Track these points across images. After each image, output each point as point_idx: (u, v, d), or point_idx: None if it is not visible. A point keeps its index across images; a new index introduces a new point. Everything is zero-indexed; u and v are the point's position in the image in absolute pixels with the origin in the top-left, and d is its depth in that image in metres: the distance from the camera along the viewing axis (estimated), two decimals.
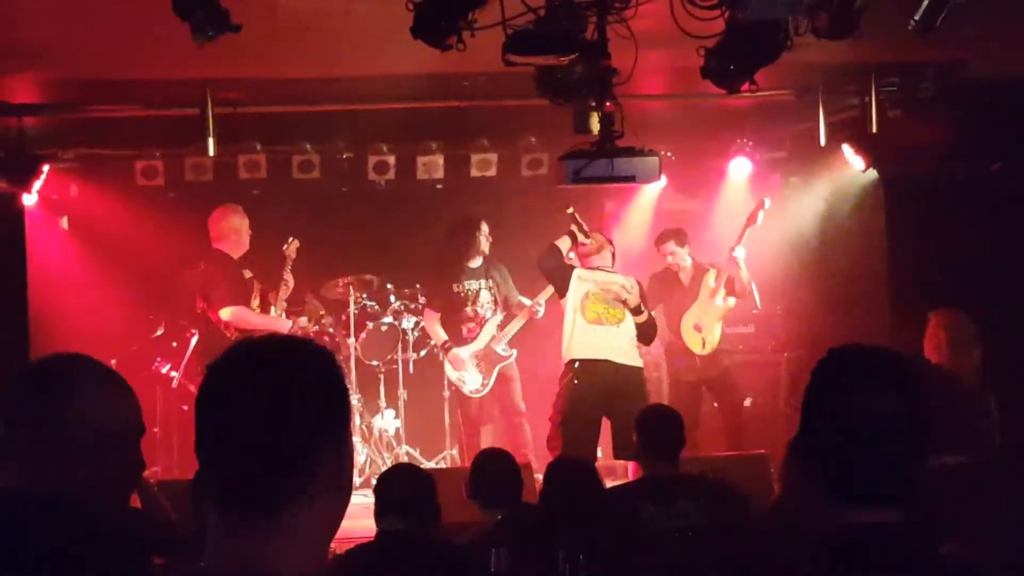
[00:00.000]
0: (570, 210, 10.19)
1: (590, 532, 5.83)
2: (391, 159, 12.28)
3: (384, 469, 6.79)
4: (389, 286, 12.37)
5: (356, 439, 11.72)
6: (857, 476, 2.61)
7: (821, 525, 2.61)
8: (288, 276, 10.98)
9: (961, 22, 7.30)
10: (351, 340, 12.04)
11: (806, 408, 2.72)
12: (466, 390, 11.55)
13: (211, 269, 10.65)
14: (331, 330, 12.07)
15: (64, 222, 12.57)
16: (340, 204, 12.89)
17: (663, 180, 11.27)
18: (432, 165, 12.37)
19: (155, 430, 11.68)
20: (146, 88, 10.38)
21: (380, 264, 12.43)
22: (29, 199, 11.04)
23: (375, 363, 12.27)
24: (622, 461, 10.52)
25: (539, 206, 12.20)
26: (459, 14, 6.69)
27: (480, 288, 11.54)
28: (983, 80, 10.39)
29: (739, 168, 12.60)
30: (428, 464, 11.86)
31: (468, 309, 11.54)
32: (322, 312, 12.28)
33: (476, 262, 11.58)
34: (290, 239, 11.13)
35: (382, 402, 12.23)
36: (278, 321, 10.80)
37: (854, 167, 11.04)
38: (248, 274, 10.77)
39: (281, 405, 2.12)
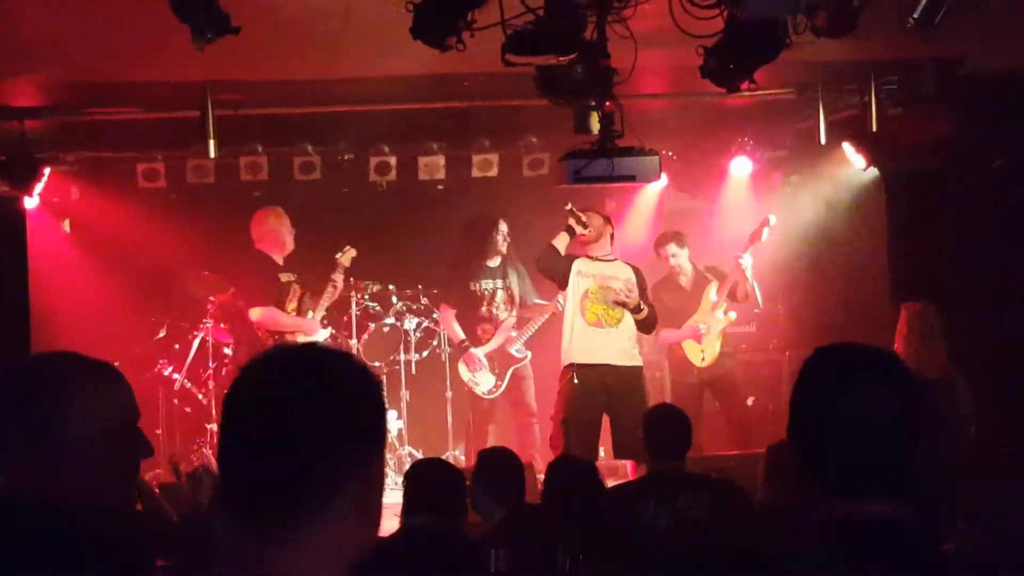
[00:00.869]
0: (568, 206, 10.15)
1: (591, 530, 5.83)
2: (392, 160, 12.29)
3: (413, 462, 6.77)
4: (391, 287, 12.38)
5: None
6: (848, 470, 2.62)
7: (815, 520, 2.62)
8: (338, 280, 11.03)
9: (960, 18, 7.31)
10: (353, 341, 12.05)
11: (794, 405, 2.73)
12: (479, 391, 11.56)
13: (248, 271, 10.84)
14: (332, 331, 12.08)
15: (66, 225, 12.57)
16: (342, 205, 12.89)
17: (664, 179, 11.29)
18: (433, 166, 12.37)
19: (157, 432, 11.70)
20: (147, 90, 10.38)
21: (382, 265, 12.44)
22: (31, 202, 11.06)
23: (377, 364, 12.27)
24: (623, 460, 10.51)
25: (541, 206, 12.20)
26: (458, 14, 6.69)
27: (496, 288, 11.56)
28: (983, 76, 10.39)
29: (740, 167, 12.60)
30: None
31: (483, 309, 11.55)
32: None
33: (494, 261, 11.61)
34: (346, 247, 11.19)
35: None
36: (307, 323, 10.87)
37: (855, 165, 11.05)
38: (287, 277, 10.86)
39: (310, 415, 2.09)
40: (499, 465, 6.60)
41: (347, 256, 11.13)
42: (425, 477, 5.86)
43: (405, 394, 12.26)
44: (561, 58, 7.01)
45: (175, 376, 11.99)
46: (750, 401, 11.88)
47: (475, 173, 12.45)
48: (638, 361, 10.28)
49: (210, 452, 11.45)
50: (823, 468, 2.65)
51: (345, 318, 12.19)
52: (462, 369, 11.63)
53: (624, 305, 10.03)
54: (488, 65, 7.10)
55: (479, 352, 11.47)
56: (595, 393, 10.03)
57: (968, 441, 8.08)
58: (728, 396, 11.43)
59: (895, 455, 2.63)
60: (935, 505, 4.09)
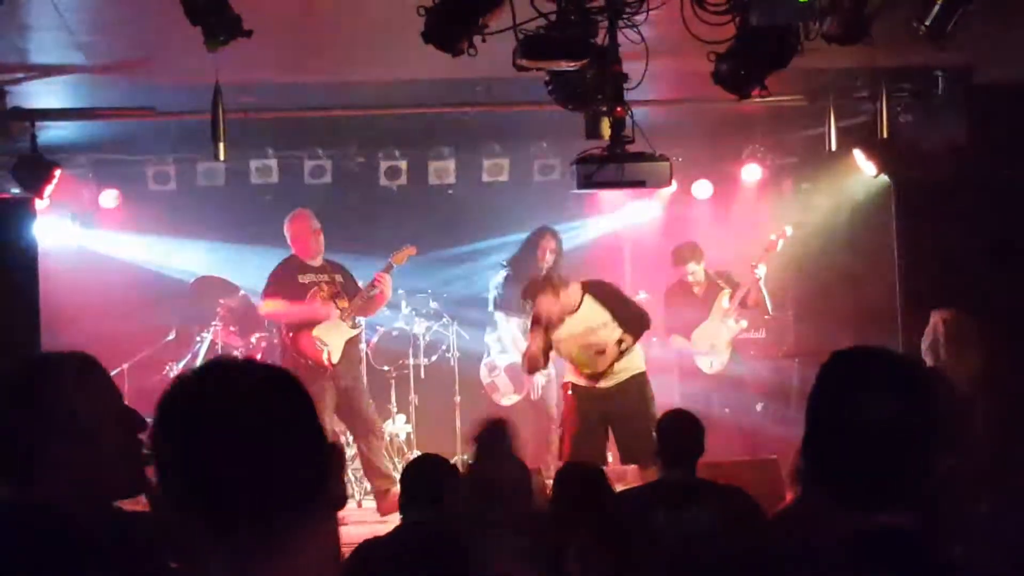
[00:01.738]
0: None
1: (600, 536, 5.82)
2: (403, 164, 12.31)
3: (408, 461, 6.74)
4: (400, 291, 12.36)
5: None
6: (865, 480, 2.60)
7: (832, 529, 2.61)
8: (384, 284, 11.16)
9: (972, 26, 7.30)
10: (362, 345, 12.05)
11: (811, 412, 2.71)
12: (504, 401, 11.57)
13: (270, 270, 11.17)
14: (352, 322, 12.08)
15: (76, 226, 12.60)
16: (352, 209, 12.90)
17: (674, 185, 11.25)
18: (444, 170, 12.40)
19: None
20: (158, 93, 10.40)
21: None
22: (41, 204, 11.05)
23: (386, 368, 12.27)
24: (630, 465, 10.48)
25: (551, 210, 12.21)
26: (470, 19, 6.70)
27: None
28: (994, 84, 10.38)
29: (750, 173, 12.61)
30: None
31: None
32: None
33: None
34: (405, 248, 11.33)
35: (393, 407, 12.22)
36: (316, 311, 11.01)
37: (865, 172, 11.02)
38: (310, 278, 11.03)
39: (235, 428, 2.06)
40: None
41: (402, 255, 11.24)
42: (419, 474, 5.85)
43: (414, 398, 12.24)
44: (573, 63, 7.02)
45: None
46: (759, 407, 11.88)
47: (485, 178, 12.47)
48: (637, 368, 10.04)
49: None
50: (839, 476, 2.64)
51: None
52: (483, 373, 11.65)
53: (605, 352, 9.91)
54: (499, 70, 7.10)
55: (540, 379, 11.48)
56: (594, 407, 9.93)
57: (984, 452, 8.05)
58: (735, 402, 11.44)
59: (913, 463, 2.61)
60: (950, 515, 4.08)
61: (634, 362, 10.06)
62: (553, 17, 6.81)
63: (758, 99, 7.66)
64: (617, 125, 7.39)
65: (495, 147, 12.41)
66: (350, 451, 11.30)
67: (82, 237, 12.62)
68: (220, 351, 11.66)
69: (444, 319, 12.46)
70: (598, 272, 10.81)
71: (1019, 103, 10.22)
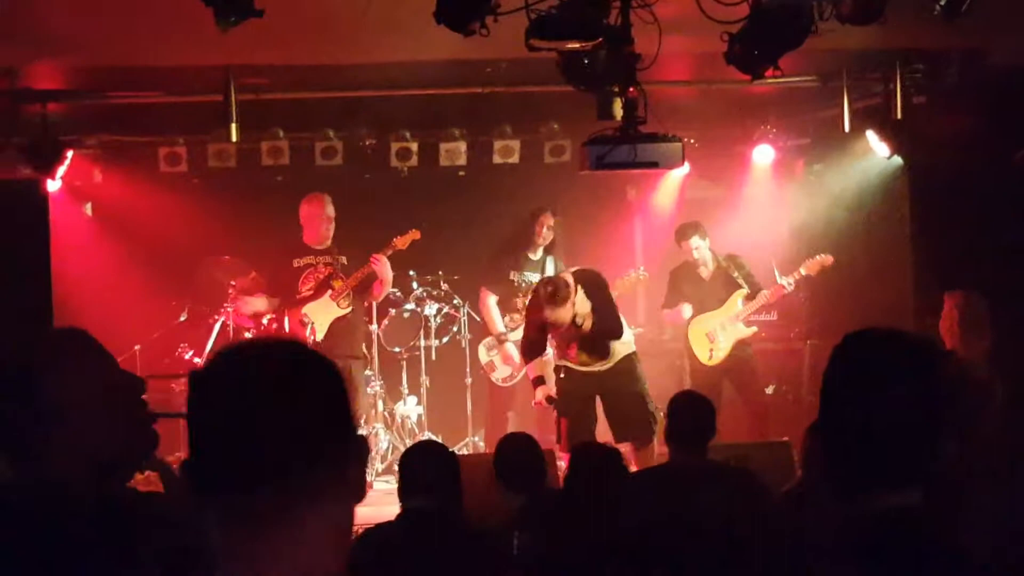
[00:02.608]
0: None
1: (613, 517, 5.83)
2: (414, 145, 12.29)
3: (406, 448, 6.76)
4: (412, 273, 12.35)
5: (379, 425, 11.76)
6: (876, 460, 2.59)
7: (842, 509, 2.60)
8: (380, 266, 11.13)
9: (987, 8, 7.26)
10: (373, 326, 12.05)
11: (824, 393, 2.69)
12: (495, 376, 11.55)
13: (264, 259, 11.39)
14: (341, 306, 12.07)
15: (88, 208, 12.62)
16: (363, 190, 12.89)
17: (686, 167, 11.23)
18: (455, 152, 12.37)
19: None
20: (169, 74, 10.40)
21: (402, 251, 12.43)
22: (53, 185, 11.08)
23: (397, 350, 12.27)
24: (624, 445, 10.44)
25: (563, 192, 12.20)
26: None
27: (534, 283, 11.44)
28: (1009, 66, 10.34)
29: (763, 155, 12.57)
30: None
31: (517, 300, 11.48)
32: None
33: (536, 254, 11.57)
34: (410, 231, 11.38)
35: (404, 389, 12.23)
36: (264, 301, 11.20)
37: (878, 154, 10.99)
38: (304, 261, 11.12)
39: (273, 405, 2.06)
40: (516, 453, 6.61)
41: (404, 240, 11.28)
42: (417, 461, 5.85)
43: (425, 380, 12.24)
44: (585, 44, 7.00)
45: (196, 360, 11.98)
46: (770, 389, 11.86)
47: (496, 159, 12.44)
48: (626, 350, 10.01)
49: None
50: (851, 459, 2.62)
51: (365, 304, 12.18)
52: (482, 352, 11.62)
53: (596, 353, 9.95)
54: (511, 50, 7.08)
55: (511, 349, 11.45)
56: (586, 388, 9.92)
57: (996, 435, 8.04)
58: (746, 384, 11.41)
59: (923, 447, 2.60)
60: (961, 497, 4.06)
61: (625, 344, 10.07)
62: None
63: (771, 80, 7.65)
64: (629, 106, 7.38)
65: (506, 128, 12.38)
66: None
67: (93, 218, 12.62)
68: (232, 332, 11.67)
69: (456, 300, 12.44)
70: (608, 248, 10.82)
71: None
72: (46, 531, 2.82)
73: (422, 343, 12.34)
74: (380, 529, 5.57)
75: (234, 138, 10.37)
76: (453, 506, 5.69)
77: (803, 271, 11.23)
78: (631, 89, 7.31)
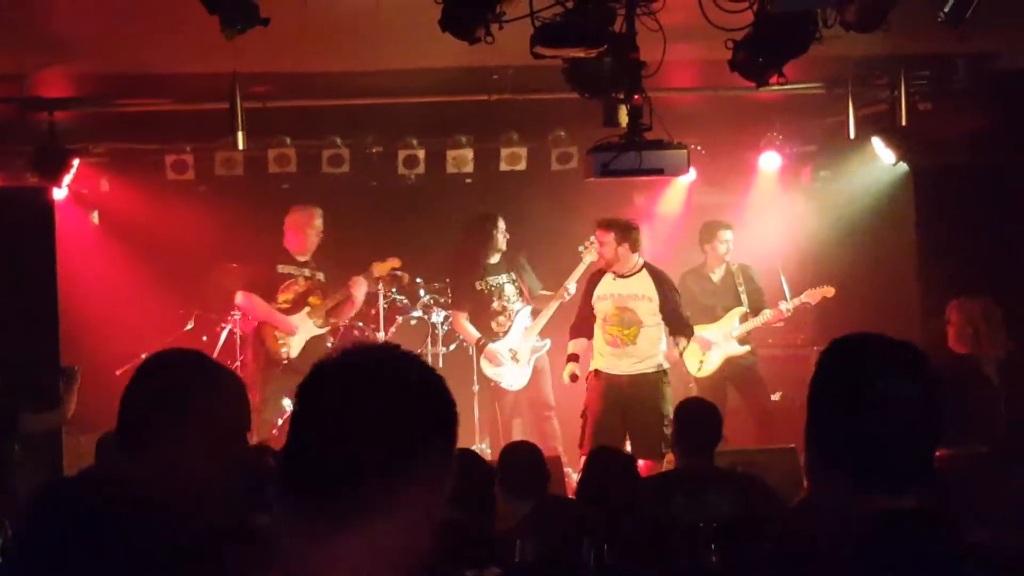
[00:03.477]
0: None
1: (620, 522, 5.83)
2: (421, 153, 12.30)
3: None
4: (419, 280, 12.34)
5: None
6: (870, 463, 2.60)
7: (846, 513, 2.60)
8: (356, 289, 11.21)
9: (991, 14, 7.27)
10: (380, 334, 12.05)
11: (814, 397, 2.71)
12: (504, 384, 11.55)
13: (252, 257, 11.41)
14: (360, 324, 12.08)
15: (94, 216, 12.62)
16: (370, 198, 12.90)
17: (692, 173, 11.25)
18: (461, 159, 12.38)
19: None
20: (176, 82, 10.42)
21: (409, 258, 12.44)
22: (59, 193, 11.08)
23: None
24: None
25: (569, 200, 12.20)
26: (487, 7, 6.71)
27: (503, 282, 11.52)
28: (1014, 72, 10.34)
29: (768, 162, 12.56)
30: None
31: (495, 304, 11.50)
32: None
33: (495, 258, 11.58)
34: (390, 259, 11.47)
35: None
36: (282, 320, 11.12)
37: (884, 160, 10.99)
38: (288, 269, 11.13)
39: (380, 412, 2.11)
40: (520, 461, 6.62)
41: (381, 268, 11.29)
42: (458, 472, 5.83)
43: None
44: (590, 51, 7.01)
45: None
46: (776, 396, 11.85)
47: (503, 167, 12.44)
48: (658, 365, 10.29)
49: None
50: (845, 461, 2.63)
51: (373, 311, 12.18)
52: (484, 365, 11.61)
53: (641, 322, 10.25)
54: (517, 58, 7.10)
55: (500, 347, 11.45)
56: (614, 396, 10.17)
57: (999, 436, 8.05)
58: (751, 391, 11.42)
59: (918, 447, 2.61)
60: (962, 498, 4.05)
61: (657, 356, 10.30)
62: (570, 4, 6.81)
63: (776, 87, 7.64)
64: (635, 113, 7.39)
65: (513, 136, 12.40)
66: None
67: (99, 226, 12.64)
68: (238, 341, 11.68)
69: None
70: None
71: None
72: (138, 521, 3.05)
73: (429, 350, 12.32)
74: None
75: (240, 146, 10.38)
76: (482, 518, 5.69)
77: (804, 298, 11.28)
78: (636, 96, 7.32)
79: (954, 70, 10.51)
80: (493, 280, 11.51)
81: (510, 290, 11.53)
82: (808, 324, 12.48)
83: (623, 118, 7.45)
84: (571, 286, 11.14)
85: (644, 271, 10.37)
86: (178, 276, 12.38)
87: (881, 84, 10.98)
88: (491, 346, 11.42)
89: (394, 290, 12.30)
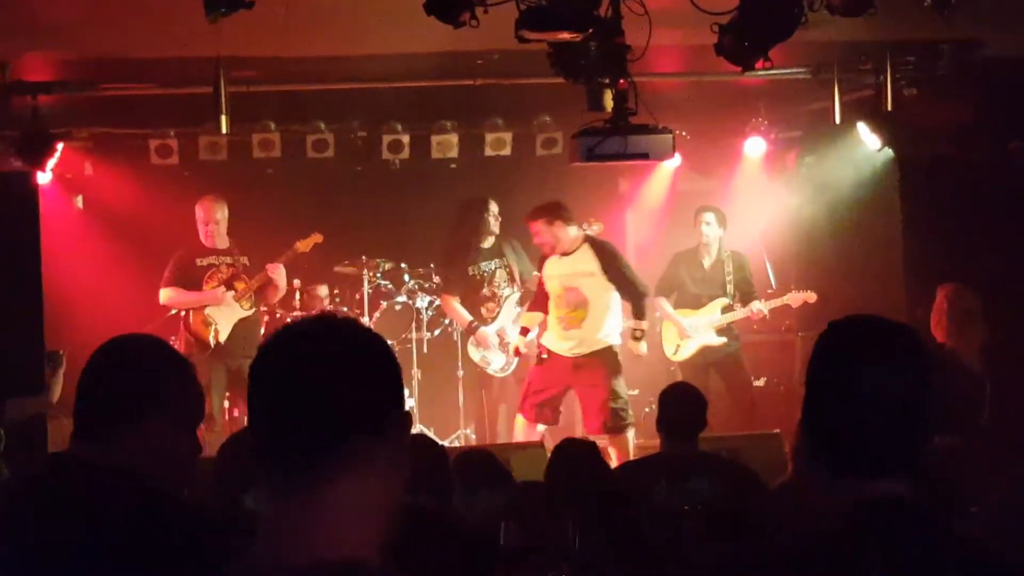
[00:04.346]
0: None
1: (600, 508, 5.82)
2: (405, 138, 12.28)
3: None
4: (403, 265, 12.34)
5: None
6: (862, 448, 2.59)
7: (828, 499, 2.60)
8: (276, 274, 11.09)
9: (977, 0, 7.28)
10: (365, 319, 12.03)
11: (809, 381, 2.70)
12: (491, 370, 11.54)
13: (171, 256, 11.30)
14: (344, 308, 12.06)
15: (78, 201, 12.59)
16: (354, 183, 12.89)
17: (677, 159, 11.23)
18: (446, 144, 12.36)
19: None
20: (160, 66, 10.39)
21: (394, 243, 12.42)
22: (43, 178, 11.04)
23: (389, 342, 12.21)
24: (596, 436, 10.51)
25: (554, 185, 12.19)
26: None
27: (495, 268, 11.52)
28: (1000, 59, 10.35)
29: (754, 147, 12.56)
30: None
31: (485, 290, 11.50)
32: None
33: (488, 242, 11.57)
34: (313, 234, 11.31)
35: None
36: (209, 295, 11.08)
37: (869, 146, 10.99)
38: (207, 261, 11.08)
39: (333, 376, 2.16)
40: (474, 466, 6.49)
41: (307, 243, 11.23)
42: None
43: (416, 373, 12.23)
44: (575, 35, 7.00)
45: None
46: (761, 382, 11.87)
47: (488, 152, 12.43)
48: (609, 342, 10.38)
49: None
50: (837, 446, 2.62)
51: (357, 296, 12.18)
52: (471, 350, 11.61)
53: (586, 303, 10.35)
54: (502, 42, 7.08)
55: (489, 330, 11.45)
56: (559, 372, 10.37)
57: (983, 425, 8.07)
58: (733, 377, 11.41)
59: (909, 433, 2.60)
60: (949, 487, 4.06)
61: (602, 337, 10.35)
62: None
63: (762, 72, 7.65)
64: (620, 98, 7.38)
65: (498, 121, 12.38)
66: None
67: (84, 211, 12.61)
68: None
69: None
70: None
71: None
72: (124, 509, 3.06)
73: (413, 335, 12.32)
74: None
75: (224, 130, 10.34)
76: (440, 501, 5.66)
77: (786, 300, 11.30)
78: (621, 81, 7.31)
79: (940, 56, 10.51)
80: (485, 266, 11.51)
81: (500, 275, 11.54)
82: (793, 311, 12.48)
83: (608, 103, 7.45)
84: None
85: (585, 244, 10.47)
86: (162, 260, 12.30)
87: (866, 70, 10.98)
88: (482, 329, 11.42)
89: (379, 275, 12.30)
